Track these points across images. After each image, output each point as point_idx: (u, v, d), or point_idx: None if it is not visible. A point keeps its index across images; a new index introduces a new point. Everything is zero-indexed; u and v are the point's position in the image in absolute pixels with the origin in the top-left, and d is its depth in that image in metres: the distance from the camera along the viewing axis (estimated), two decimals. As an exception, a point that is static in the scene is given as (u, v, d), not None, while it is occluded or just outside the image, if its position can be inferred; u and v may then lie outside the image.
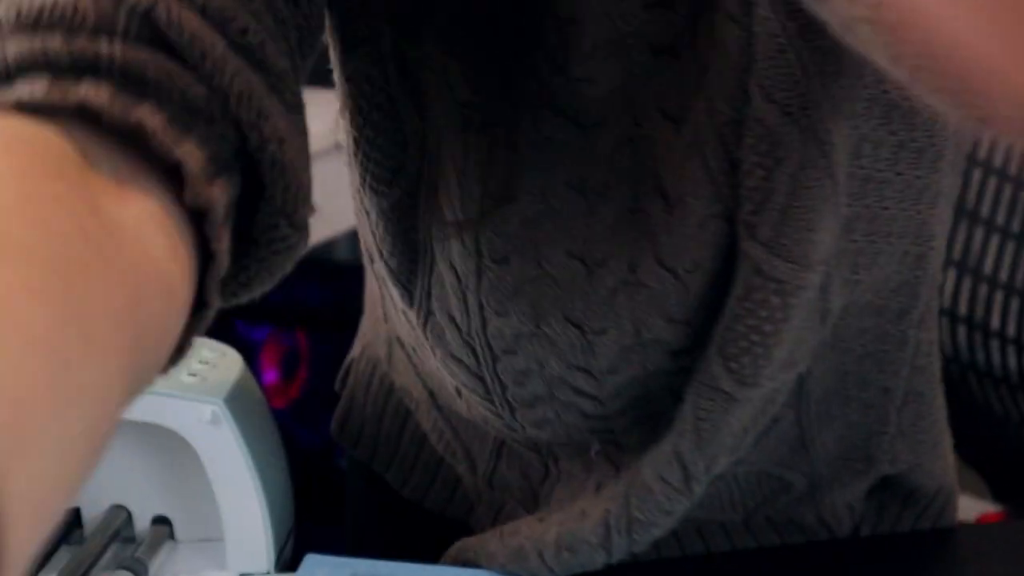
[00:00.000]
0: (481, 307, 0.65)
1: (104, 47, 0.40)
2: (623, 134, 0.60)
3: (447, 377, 0.70)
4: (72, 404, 0.32)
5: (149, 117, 0.40)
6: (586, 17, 0.58)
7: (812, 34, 0.56)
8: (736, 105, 0.58)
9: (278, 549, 0.70)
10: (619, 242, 0.61)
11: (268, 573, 0.70)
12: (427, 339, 0.68)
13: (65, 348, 0.32)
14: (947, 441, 0.74)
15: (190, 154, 0.40)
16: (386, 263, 0.67)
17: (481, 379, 0.68)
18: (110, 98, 0.39)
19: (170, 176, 0.41)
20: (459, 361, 0.68)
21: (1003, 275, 0.92)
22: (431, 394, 0.74)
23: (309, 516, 0.77)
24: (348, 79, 0.63)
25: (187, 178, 0.40)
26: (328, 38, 0.64)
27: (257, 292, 0.47)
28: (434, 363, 0.70)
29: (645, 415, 0.66)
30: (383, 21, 0.61)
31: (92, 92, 0.40)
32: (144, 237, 0.38)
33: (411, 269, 0.66)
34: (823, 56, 0.57)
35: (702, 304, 0.62)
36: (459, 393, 0.70)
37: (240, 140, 0.43)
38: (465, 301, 0.65)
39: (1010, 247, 0.92)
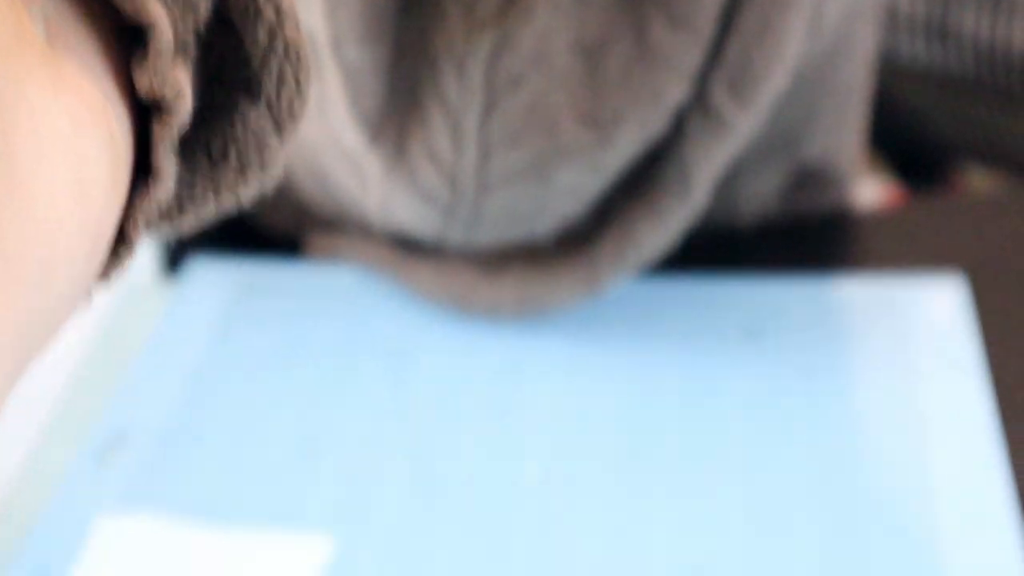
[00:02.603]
0: (484, 141, 0.57)
1: None
2: None
3: (396, 209, 0.61)
4: None
5: None
6: None
7: None
8: None
9: (163, 248, 0.67)
10: (621, 15, 0.56)
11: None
12: (387, 178, 0.59)
13: None
14: (861, 126, 0.72)
15: (159, 18, 0.25)
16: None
17: (451, 213, 0.60)
18: None
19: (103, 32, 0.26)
20: (428, 199, 0.60)
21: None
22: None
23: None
24: None
25: (151, 55, 0.25)
26: None
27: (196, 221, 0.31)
28: (377, 185, 0.60)
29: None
30: None
31: None
32: (72, 155, 0.23)
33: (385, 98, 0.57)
34: None
35: (712, 46, 0.58)
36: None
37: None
38: (459, 135, 0.57)
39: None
